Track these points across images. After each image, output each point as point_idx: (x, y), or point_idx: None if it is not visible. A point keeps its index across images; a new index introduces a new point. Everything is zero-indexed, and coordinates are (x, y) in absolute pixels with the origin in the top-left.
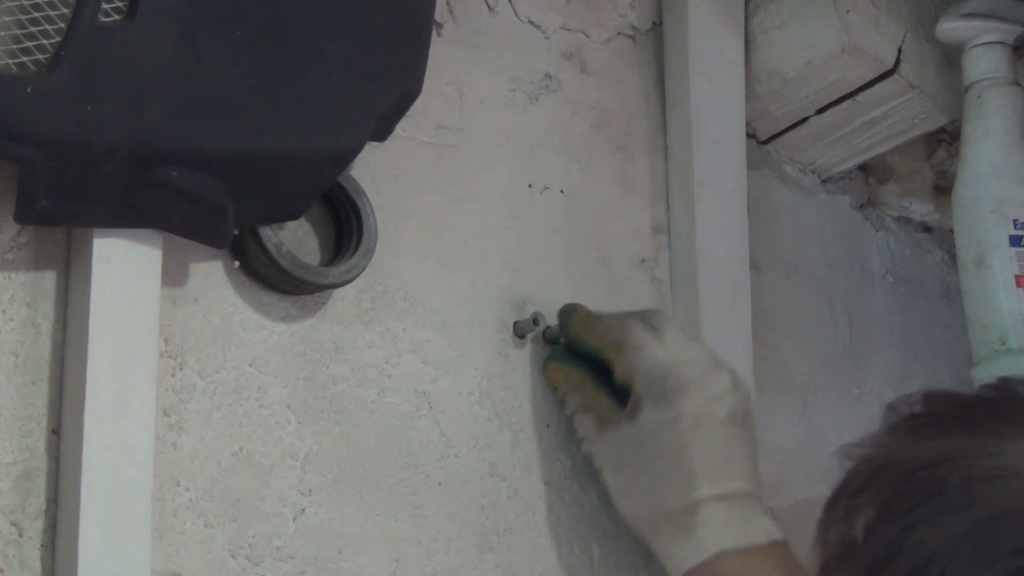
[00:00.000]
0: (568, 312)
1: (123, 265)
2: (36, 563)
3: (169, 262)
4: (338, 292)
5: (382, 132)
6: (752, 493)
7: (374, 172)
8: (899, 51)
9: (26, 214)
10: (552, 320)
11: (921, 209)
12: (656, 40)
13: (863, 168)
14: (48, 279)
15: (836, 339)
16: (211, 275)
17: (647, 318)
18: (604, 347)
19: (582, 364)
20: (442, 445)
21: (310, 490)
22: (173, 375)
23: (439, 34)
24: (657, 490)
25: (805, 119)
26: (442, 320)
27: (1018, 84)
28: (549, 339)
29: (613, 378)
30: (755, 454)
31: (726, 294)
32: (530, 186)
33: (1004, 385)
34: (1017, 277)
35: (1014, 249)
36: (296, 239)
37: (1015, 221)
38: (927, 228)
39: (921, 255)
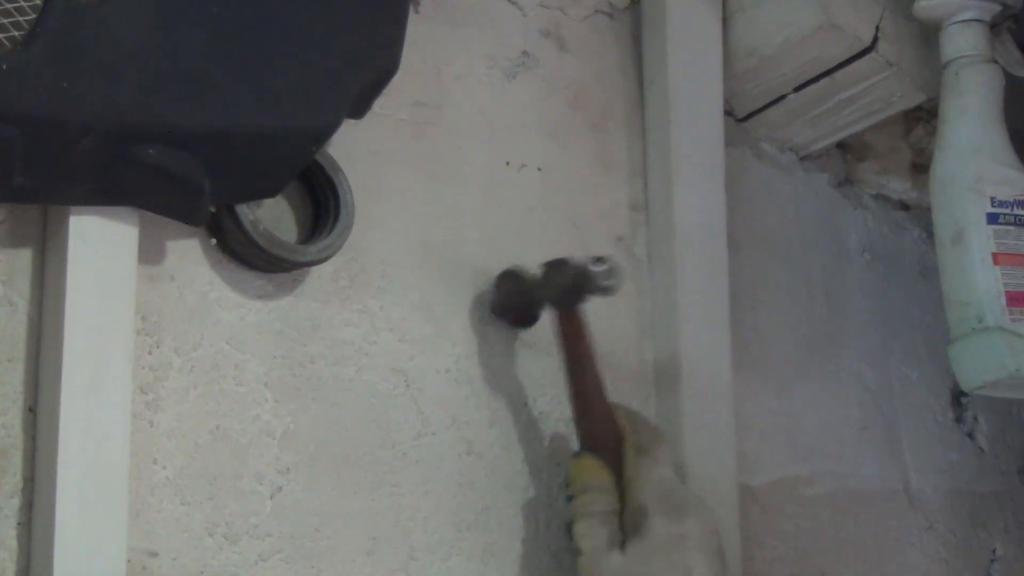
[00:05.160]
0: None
1: (99, 243)
2: (12, 541)
3: (146, 240)
4: (315, 270)
5: (359, 110)
6: None
7: (351, 150)
8: (877, 29)
9: (1, 192)
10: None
11: (899, 187)
12: (634, 17)
13: (841, 146)
14: (24, 257)
15: (813, 317)
16: (188, 253)
17: (640, 443)
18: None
19: (607, 464)
20: (419, 423)
21: (287, 468)
22: (150, 353)
23: (416, 11)
24: None
25: (783, 97)
26: (419, 298)
27: (995, 62)
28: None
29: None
30: None
31: (704, 272)
32: (507, 164)
33: None
34: (994, 255)
35: (991, 227)
36: (273, 217)
37: (992, 199)
38: (904, 206)
39: (899, 233)
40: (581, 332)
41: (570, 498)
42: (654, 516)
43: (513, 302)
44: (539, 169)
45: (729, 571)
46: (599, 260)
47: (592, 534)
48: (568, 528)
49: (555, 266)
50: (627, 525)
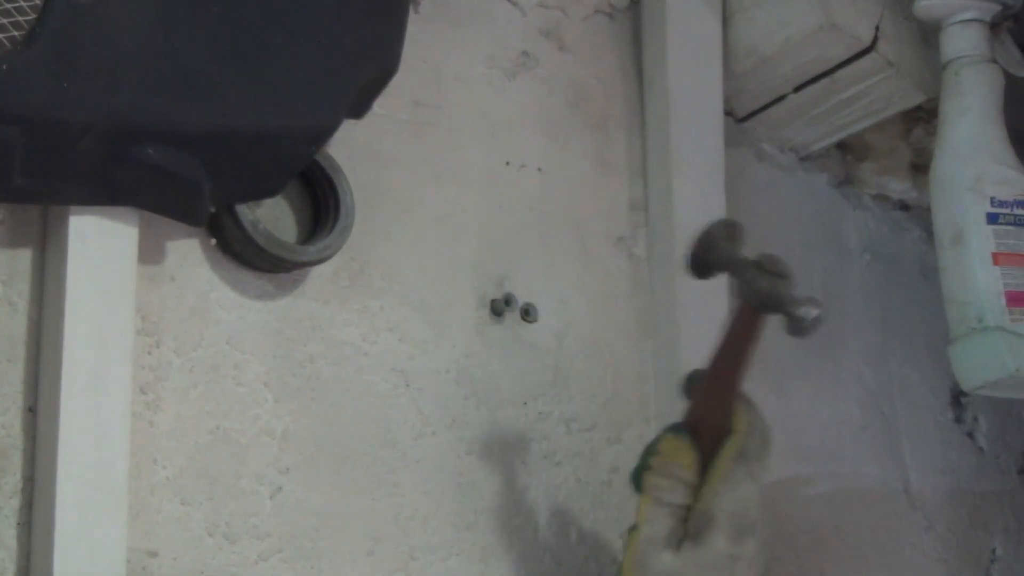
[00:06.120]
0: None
1: (99, 243)
2: (12, 541)
3: (146, 240)
4: (315, 270)
5: (359, 109)
6: None
7: (351, 150)
8: (877, 29)
9: (1, 192)
10: (526, 297)
11: (898, 187)
12: (634, 17)
13: (841, 146)
14: (24, 257)
15: None
16: (188, 253)
17: (746, 449)
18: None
19: (700, 453)
20: (419, 423)
21: (287, 468)
22: (150, 353)
23: (416, 11)
24: None
25: (783, 97)
26: (419, 298)
27: (995, 62)
28: (526, 317)
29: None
30: None
31: None
32: (507, 163)
33: None
34: (994, 255)
35: (991, 227)
36: (273, 217)
37: (992, 199)
38: (904, 206)
39: (898, 233)
40: (753, 336)
41: (647, 466)
42: (719, 531)
43: (713, 261)
44: (539, 169)
45: None
46: (813, 303)
47: (656, 522)
48: (635, 484)
49: (769, 269)
50: (690, 525)
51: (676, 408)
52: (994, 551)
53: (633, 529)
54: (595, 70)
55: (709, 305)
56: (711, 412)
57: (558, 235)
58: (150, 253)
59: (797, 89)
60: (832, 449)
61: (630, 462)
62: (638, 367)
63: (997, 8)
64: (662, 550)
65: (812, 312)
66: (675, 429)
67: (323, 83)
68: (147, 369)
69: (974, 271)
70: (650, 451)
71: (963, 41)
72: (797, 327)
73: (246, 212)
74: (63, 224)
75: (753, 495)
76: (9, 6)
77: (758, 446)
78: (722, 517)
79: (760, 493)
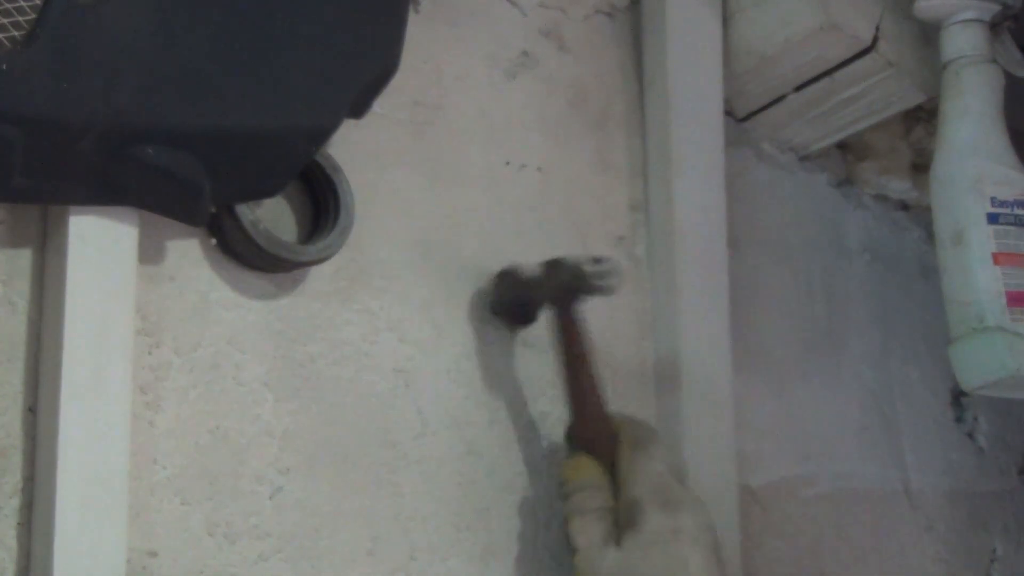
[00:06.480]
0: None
1: (99, 243)
2: (12, 541)
3: (146, 240)
4: (315, 270)
5: (359, 109)
6: None
7: (351, 150)
8: (877, 28)
9: (1, 192)
10: None
11: (899, 187)
12: (634, 17)
13: (841, 146)
14: (24, 257)
15: (814, 317)
16: (188, 253)
17: (635, 438)
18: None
19: (602, 464)
20: (419, 423)
21: (287, 468)
22: (150, 353)
23: (416, 11)
24: None
25: (783, 97)
26: (420, 298)
27: (995, 62)
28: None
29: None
30: None
31: (704, 272)
32: (507, 164)
33: None
34: (995, 255)
35: (991, 227)
36: (273, 217)
37: (992, 199)
38: (905, 206)
39: (899, 233)
40: (578, 332)
41: (566, 498)
42: (648, 509)
43: (511, 300)
44: (539, 169)
45: (727, 569)
46: (597, 260)
47: (587, 530)
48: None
49: (552, 265)
50: (621, 519)
51: (676, 408)
52: (994, 551)
53: (574, 554)
54: (595, 70)
55: (709, 305)
56: (590, 425)
57: (558, 235)
58: (150, 253)
59: (797, 89)
60: (832, 449)
61: None
62: (638, 367)
63: (997, 8)
64: (604, 550)
65: (598, 266)
66: (567, 455)
67: (323, 83)
68: (147, 369)
69: (974, 271)
70: (559, 484)
71: (963, 41)
72: (600, 288)
73: (246, 212)
74: (63, 224)
75: (664, 473)
76: (9, 6)
77: (644, 433)
78: (645, 497)
79: (673, 475)
